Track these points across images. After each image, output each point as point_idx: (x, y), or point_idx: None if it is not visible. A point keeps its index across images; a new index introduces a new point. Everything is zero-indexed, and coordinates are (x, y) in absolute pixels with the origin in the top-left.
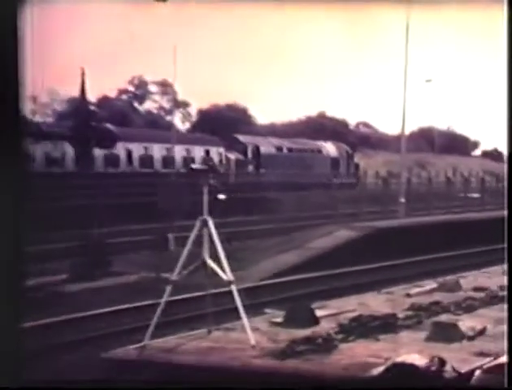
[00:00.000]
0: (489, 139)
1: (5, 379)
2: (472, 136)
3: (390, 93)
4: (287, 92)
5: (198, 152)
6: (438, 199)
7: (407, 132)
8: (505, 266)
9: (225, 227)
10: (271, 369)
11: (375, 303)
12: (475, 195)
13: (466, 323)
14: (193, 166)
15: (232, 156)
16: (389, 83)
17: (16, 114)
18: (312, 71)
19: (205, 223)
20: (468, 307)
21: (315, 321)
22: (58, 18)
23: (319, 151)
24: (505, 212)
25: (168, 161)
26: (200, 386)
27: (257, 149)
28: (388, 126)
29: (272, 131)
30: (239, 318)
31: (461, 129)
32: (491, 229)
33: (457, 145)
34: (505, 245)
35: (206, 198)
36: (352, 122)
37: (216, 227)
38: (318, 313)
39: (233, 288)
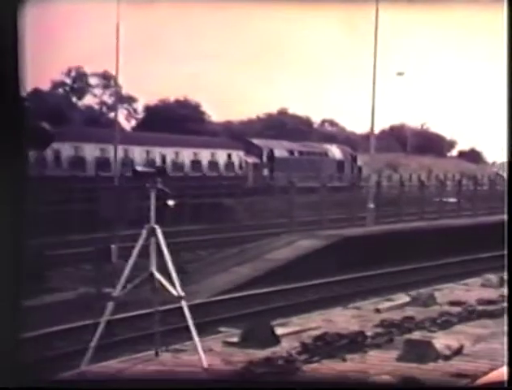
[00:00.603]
0: (467, 138)
1: (5, 379)
2: (448, 135)
3: (359, 89)
4: (246, 88)
5: (221, 155)
6: (410, 204)
7: (377, 130)
8: (490, 276)
9: (175, 237)
10: None
11: (342, 319)
12: (452, 200)
13: (442, 341)
14: (138, 168)
15: (250, 160)
16: (358, 78)
17: (16, 114)
18: (274, 66)
19: (152, 232)
20: (444, 323)
21: (275, 340)
22: (58, 18)
23: (326, 154)
24: (506, 217)
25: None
26: None
27: (271, 152)
28: (357, 124)
29: (227, 129)
30: (190, 337)
31: (436, 127)
32: (468, 237)
33: (431, 144)
34: (506, 252)
35: (153, 204)
36: (316, 120)
37: (165, 236)
38: (279, 331)
39: (184, 304)
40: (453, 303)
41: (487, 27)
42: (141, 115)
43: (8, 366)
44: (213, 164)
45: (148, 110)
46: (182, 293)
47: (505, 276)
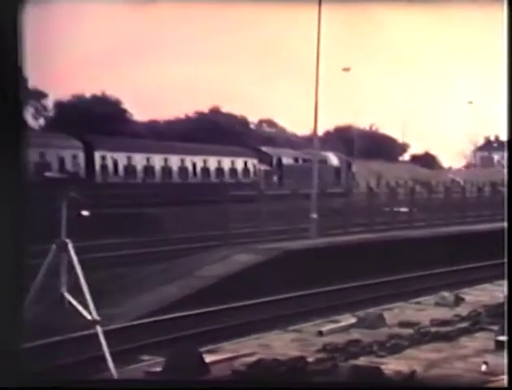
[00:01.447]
0: (420, 141)
1: (5, 379)
2: (400, 138)
3: (301, 87)
4: (173, 83)
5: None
6: (358, 214)
7: (321, 131)
8: (445, 294)
9: (91, 252)
10: None
11: (280, 344)
12: (403, 209)
13: (391, 367)
14: (48, 174)
15: (262, 167)
16: (300, 74)
17: (16, 114)
18: (205, 60)
19: (63, 247)
20: (393, 347)
21: (204, 369)
22: (58, 18)
23: (325, 161)
24: (505, 224)
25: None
26: None
27: (279, 160)
28: (299, 125)
29: (153, 130)
30: (107, 368)
31: (386, 129)
32: (421, 250)
33: (381, 147)
34: (506, 259)
35: (64, 215)
36: (253, 120)
37: (78, 251)
38: (208, 358)
39: (99, 329)
40: (403, 324)
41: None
42: (51, 113)
43: (8, 366)
44: (233, 170)
45: (59, 106)
46: (97, 317)
47: (506, 274)
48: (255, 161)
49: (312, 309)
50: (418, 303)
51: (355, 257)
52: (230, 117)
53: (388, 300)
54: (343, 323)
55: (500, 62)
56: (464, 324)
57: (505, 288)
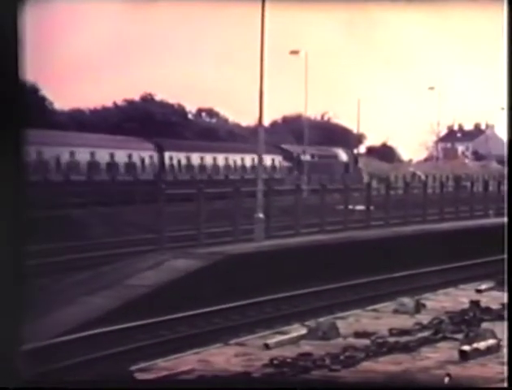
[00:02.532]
0: (377, 131)
1: (5, 379)
2: (355, 128)
3: (246, 72)
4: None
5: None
6: (309, 213)
7: (267, 122)
8: (404, 300)
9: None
10: None
11: (222, 359)
12: (359, 207)
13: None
14: None
15: (286, 163)
16: (243, 58)
17: (16, 113)
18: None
19: None
20: (348, 360)
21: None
22: (58, 18)
23: (336, 157)
24: (506, 219)
25: None
26: None
27: (299, 156)
28: (243, 114)
29: (75, 120)
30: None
31: (340, 118)
32: (378, 252)
33: (334, 139)
34: (505, 256)
35: None
36: (191, 109)
37: None
38: (141, 376)
39: None
40: (359, 334)
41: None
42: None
43: (8, 366)
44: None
45: None
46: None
47: (506, 276)
48: (280, 158)
49: (258, 319)
50: (375, 310)
51: (306, 261)
52: (164, 106)
53: (342, 307)
54: (292, 335)
55: (466, 45)
56: (425, 333)
57: (506, 288)
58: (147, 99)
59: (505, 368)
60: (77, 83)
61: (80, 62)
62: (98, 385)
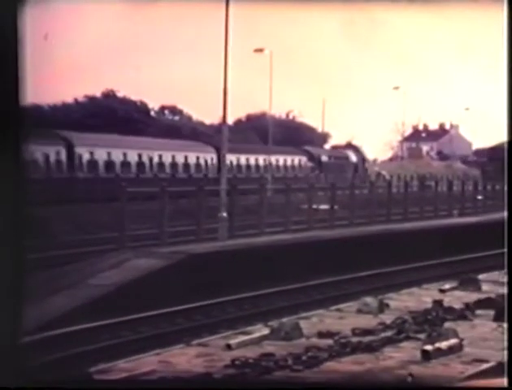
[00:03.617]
0: (342, 130)
1: (5, 379)
2: (319, 127)
3: (210, 69)
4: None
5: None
6: (274, 213)
7: (231, 120)
8: (368, 300)
9: None
10: None
11: (183, 360)
12: (323, 207)
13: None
14: None
15: (309, 164)
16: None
17: (16, 114)
18: None
19: None
20: (311, 360)
21: None
22: (58, 18)
23: (347, 158)
24: (505, 214)
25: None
26: None
27: (319, 157)
28: (207, 112)
29: (35, 117)
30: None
31: (304, 117)
32: (343, 251)
33: (299, 137)
34: (505, 250)
35: None
36: (154, 106)
37: None
38: (100, 377)
39: None
40: (322, 334)
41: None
42: None
43: (8, 366)
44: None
45: None
46: None
47: (506, 276)
48: (305, 158)
49: (220, 319)
50: (338, 310)
51: (269, 261)
52: (127, 103)
53: (305, 307)
54: (255, 335)
55: (434, 45)
56: (388, 333)
57: (506, 286)
58: (109, 95)
59: (505, 368)
60: (76, 82)
61: (80, 62)
62: (98, 385)
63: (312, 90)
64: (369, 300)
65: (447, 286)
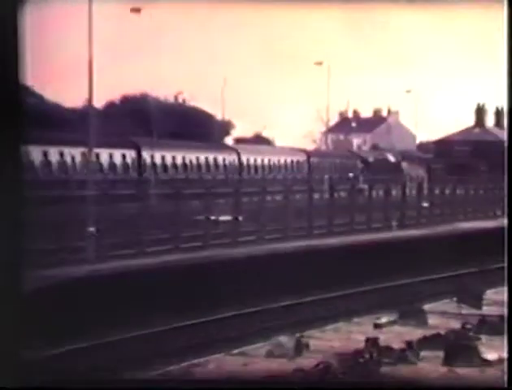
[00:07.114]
0: (249, 118)
1: (5, 379)
2: (219, 113)
3: None
4: None
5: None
6: (157, 226)
7: (100, 103)
8: (282, 339)
9: None
10: None
11: None
12: (224, 218)
13: None
14: None
15: (360, 165)
16: None
17: (15, 113)
18: None
19: None
20: None
21: None
22: (58, 18)
23: (387, 159)
24: (506, 221)
25: None
26: None
27: (367, 159)
28: (70, 95)
29: None
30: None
31: (198, 101)
32: (249, 276)
33: (192, 127)
34: (505, 257)
35: None
36: None
37: None
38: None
39: None
40: None
41: None
42: None
43: (8, 366)
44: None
45: None
46: None
47: (505, 274)
48: (358, 161)
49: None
50: (242, 354)
51: (150, 292)
52: None
53: (200, 350)
54: None
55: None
56: (308, 383)
57: (505, 295)
58: None
59: (506, 368)
60: (76, 82)
61: (79, 62)
62: (99, 385)
63: (207, 65)
64: (283, 339)
65: (384, 319)
